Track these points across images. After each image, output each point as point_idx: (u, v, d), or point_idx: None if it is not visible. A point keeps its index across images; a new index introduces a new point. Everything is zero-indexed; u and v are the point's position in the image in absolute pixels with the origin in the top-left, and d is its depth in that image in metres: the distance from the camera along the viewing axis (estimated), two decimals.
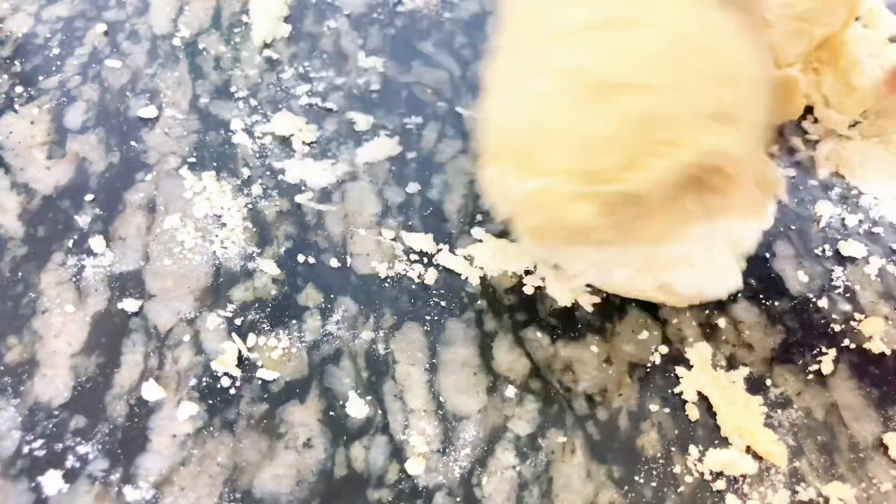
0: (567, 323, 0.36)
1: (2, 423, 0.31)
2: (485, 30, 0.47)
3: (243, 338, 0.34)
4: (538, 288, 0.36)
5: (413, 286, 0.36)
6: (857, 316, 0.37)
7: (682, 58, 0.28)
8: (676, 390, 0.34)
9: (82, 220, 0.37)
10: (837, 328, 0.36)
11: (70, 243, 0.36)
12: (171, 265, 0.36)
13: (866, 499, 0.32)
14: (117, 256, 0.36)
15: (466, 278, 0.36)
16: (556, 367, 0.34)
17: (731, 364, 0.35)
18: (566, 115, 0.29)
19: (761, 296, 0.37)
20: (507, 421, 0.33)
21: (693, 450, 0.32)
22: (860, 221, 0.40)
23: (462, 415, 0.33)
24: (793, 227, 0.39)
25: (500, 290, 0.36)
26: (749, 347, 0.35)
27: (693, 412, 0.33)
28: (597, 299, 0.36)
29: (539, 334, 0.35)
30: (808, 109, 0.43)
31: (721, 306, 0.37)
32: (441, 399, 0.33)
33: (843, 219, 0.40)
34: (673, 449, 0.32)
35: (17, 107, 0.41)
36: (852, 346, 0.36)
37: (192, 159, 0.40)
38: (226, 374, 0.33)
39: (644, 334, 0.35)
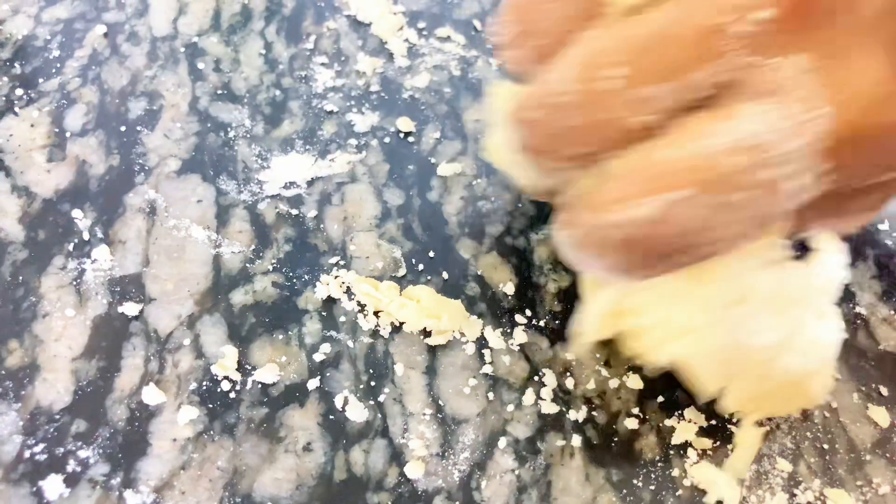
0: (566, 326, 0.36)
1: (3, 428, 0.31)
2: (484, 30, 0.47)
3: (243, 341, 0.34)
4: (537, 289, 0.36)
5: None
6: (856, 318, 0.37)
7: None
8: (676, 394, 0.34)
9: (83, 223, 0.37)
10: None
11: (70, 247, 0.36)
12: (171, 268, 0.36)
13: (865, 502, 0.32)
14: (117, 260, 0.36)
15: (466, 282, 0.37)
16: (556, 369, 0.34)
17: None
18: None
19: None
20: (507, 424, 0.33)
21: (692, 453, 0.32)
22: None
23: (461, 418, 0.33)
24: None
25: (500, 293, 0.36)
26: None
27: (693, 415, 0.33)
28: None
29: (538, 337, 0.35)
30: None
31: None
32: (440, 403, 0.33)
33: None
34: (671, 452, 0.33)
35: (17, 109, 0.41)
36: (852, 347, 0.36)
37: (192, 162, 0.40)
38: (226, 377, 0.33)
39: None
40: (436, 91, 0.43)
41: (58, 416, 0.32)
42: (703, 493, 0.32)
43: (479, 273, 0.37)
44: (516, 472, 0.32)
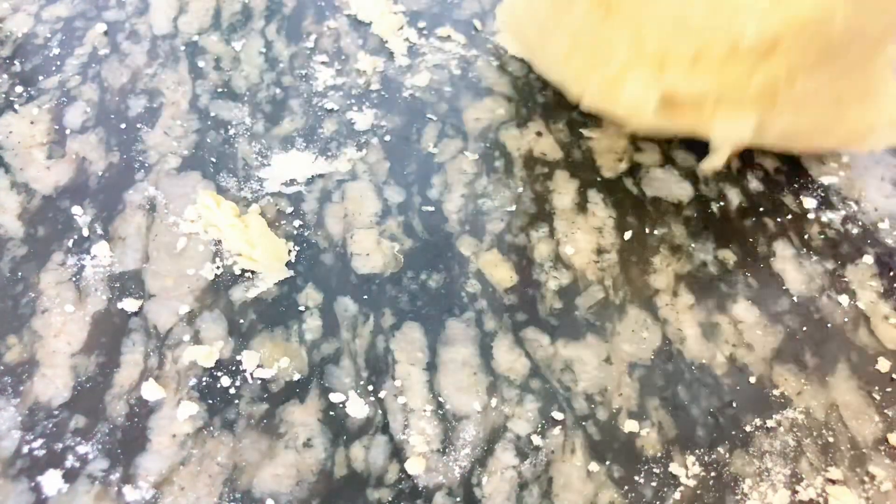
0: (567, 323, 0.36)
1: (2, 423, 0.31)
2: (484, 30, 0.47)
3: (243, 337, 0.34)
4: (537, 286, 0.36)
5: (413, 286, 0.36)
6: (857, 315, 0.37)
7: None
8: (677, 389, 0.34)
9: (82, 219, 0.37)
10: (837, 328, 0.36)
11: (70, 243, 0.36)
12: (171, 265, 0.36)
13: (866, 499, 0.32)
14: (117, 256, 0.36)
15: (467, 279, 0.36)
16: (556, 366, 0.34)
17: (732, 364, 0.35)
18: None
19: (761, 296, 0.37)
20: (507, 421, 0.33)
21: (692, 451, 0.32)
22: (860, 221, 0.40)
23: (462, 415, 0.33)
24: (793, 227, 0.39)
25: (500, 290, 0.36)
26: (749, 347, 0.35)
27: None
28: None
29: (539, 334, 0.35)
30: None
31: (722, 306, 0.37)
32: (441, 399, 0.33)
33: (843, 218, 0.40)
34: (673, 449, 0.32)
35: (16, 107, 0.41)
36: (852, 345, 0.36)
37: (193, 159, 0.39)
38: (225, 373, 0.33)
39: (644, 334, 0.35)
40: (436, 90, 0.43)
41: (57, 412, 0.32)
42: (708, 486, 0.31)
43: (479, 270, 0.37)
44: (517, 468, 0.32)
